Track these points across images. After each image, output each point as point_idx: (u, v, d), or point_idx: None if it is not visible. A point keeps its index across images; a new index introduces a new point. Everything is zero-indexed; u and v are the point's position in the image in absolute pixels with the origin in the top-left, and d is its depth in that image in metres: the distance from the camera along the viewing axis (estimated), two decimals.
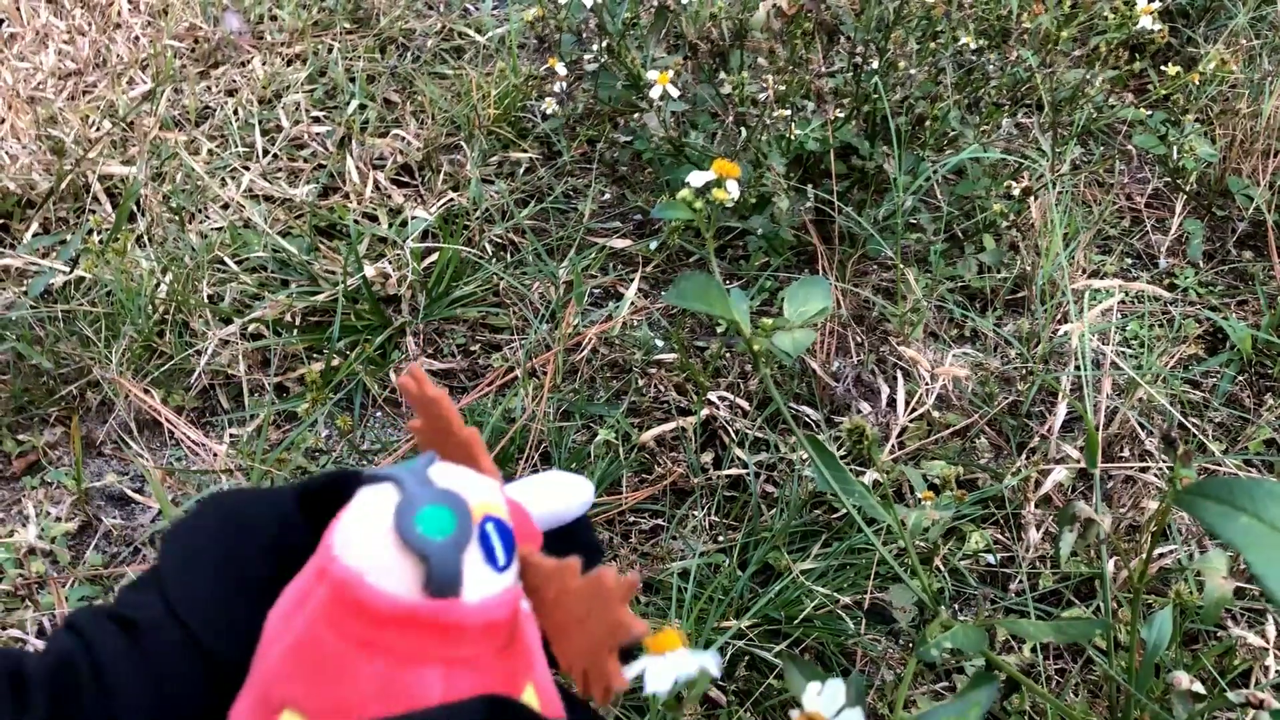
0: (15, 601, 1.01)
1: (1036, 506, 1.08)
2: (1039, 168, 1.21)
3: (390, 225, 1.35)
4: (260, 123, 1.49)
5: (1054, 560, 1.07)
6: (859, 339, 1.21)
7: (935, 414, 1.15)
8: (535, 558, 0.42)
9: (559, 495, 0.50)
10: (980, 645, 0.67)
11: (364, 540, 0.39)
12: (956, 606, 1.03)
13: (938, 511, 0.74)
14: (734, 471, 1.12)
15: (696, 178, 0.71)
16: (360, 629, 0.38)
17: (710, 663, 0.44)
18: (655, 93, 1.11)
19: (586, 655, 0.39)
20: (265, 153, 1.46)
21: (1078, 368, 1.13)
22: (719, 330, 1.24)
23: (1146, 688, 0.80)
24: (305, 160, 1.46)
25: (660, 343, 1.23)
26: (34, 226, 1.32)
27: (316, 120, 1.52)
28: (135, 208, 1.34)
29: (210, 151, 1.44)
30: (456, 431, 0.43)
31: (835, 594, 1.01)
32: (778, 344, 0.69)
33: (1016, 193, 1.06)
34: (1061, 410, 1.13)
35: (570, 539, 0.51)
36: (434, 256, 1.31)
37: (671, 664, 0.45)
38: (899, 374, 1.16)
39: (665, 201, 0.72)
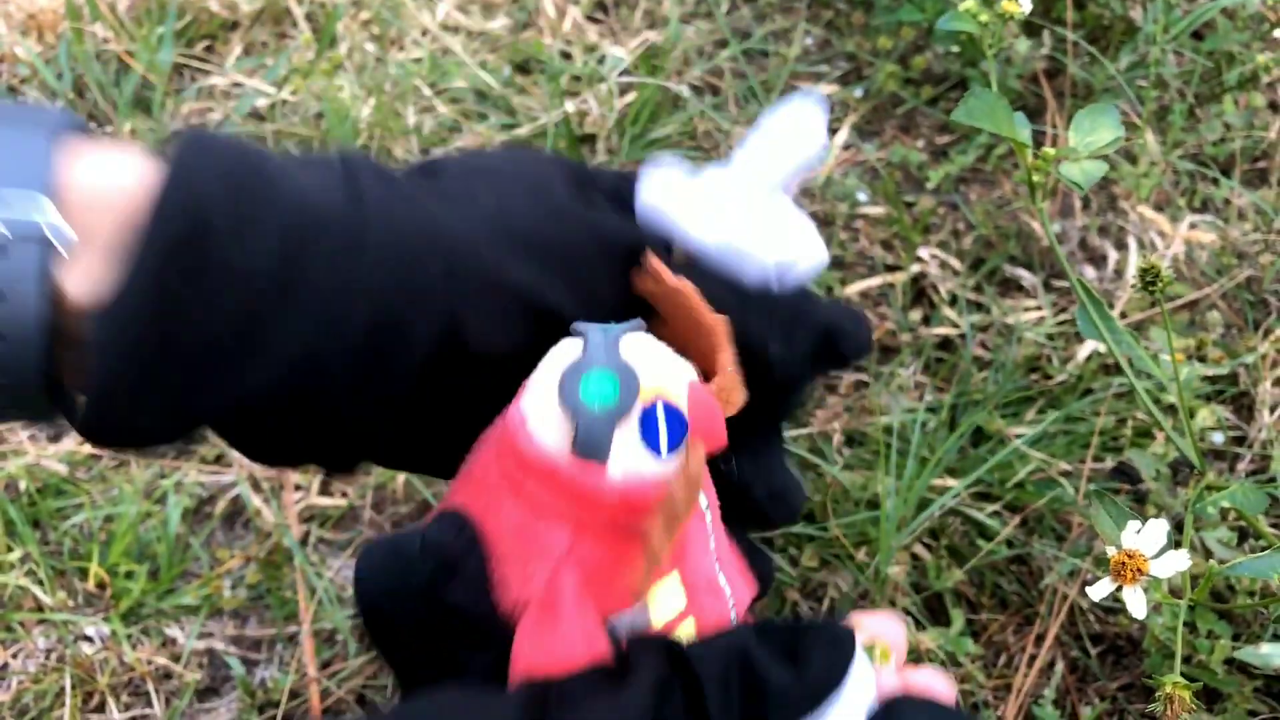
0: None
1: (1273, 386, 1.01)
2: None
3: (585, 63, 1.31)
4: None
5: None
6: (1085, 200, 1.13)
7: None
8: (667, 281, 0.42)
9: (789, 147, 0.49)
10: (1261, 507, 0.63)
11: (537, 389, 0.41)
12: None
13: (1210, 368, 0.68)
14: (943, 331, 1.07)
15: None
16: (513, 469, 0.41)
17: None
18: None
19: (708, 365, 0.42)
20: None
21: None
22: (928, 186, 1.17)
23: None
24: None
25: (864, 196, 1.18)
26: (237, 49, 1.33)
27: None
28: (335, 34, 1.33)
29: None
30: (703, 319, 0.42)
31: (1051, 459, 0.96)
32: (1065, 174, 0.63)
33: None
34: None
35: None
36: (630, 97, 1.27)
37: None
38: (1131, 240, 1.09)
39: (948, 14, 0.66)
